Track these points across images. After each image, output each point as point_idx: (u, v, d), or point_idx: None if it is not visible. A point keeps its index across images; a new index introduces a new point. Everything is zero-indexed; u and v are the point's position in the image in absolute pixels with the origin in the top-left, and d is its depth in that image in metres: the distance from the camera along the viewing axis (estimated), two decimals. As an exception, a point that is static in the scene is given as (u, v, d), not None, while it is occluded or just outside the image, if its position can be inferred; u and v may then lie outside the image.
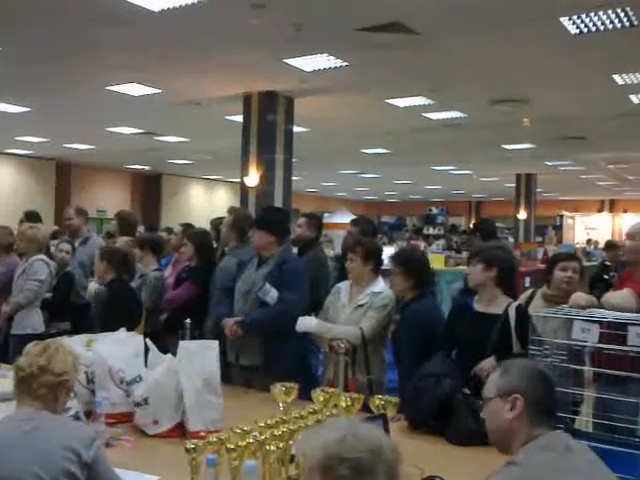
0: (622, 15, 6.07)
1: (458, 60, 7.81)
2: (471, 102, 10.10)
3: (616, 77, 8.38)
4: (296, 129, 10.58)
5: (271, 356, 3.84)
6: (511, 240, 20.82)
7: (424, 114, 10.96)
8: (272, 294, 3.85)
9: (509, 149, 14.92)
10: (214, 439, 2.26)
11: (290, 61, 7.92)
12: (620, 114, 10.58)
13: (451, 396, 3.13)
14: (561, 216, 25.88)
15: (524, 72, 8.28)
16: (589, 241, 21.61)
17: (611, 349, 2.82)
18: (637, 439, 2.78)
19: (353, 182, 23.73)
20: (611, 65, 7.93)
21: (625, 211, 26.86)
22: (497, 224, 26.05)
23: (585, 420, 3.14)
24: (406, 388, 3.35)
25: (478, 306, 3.53)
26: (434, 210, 29.98)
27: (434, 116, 11.14)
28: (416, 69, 8.23)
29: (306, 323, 3.82)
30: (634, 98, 9.49)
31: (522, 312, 3.36)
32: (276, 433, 2.34)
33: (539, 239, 21.81)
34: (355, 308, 3.88)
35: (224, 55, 7.78)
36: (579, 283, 3.83)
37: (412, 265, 3.74)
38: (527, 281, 7.91)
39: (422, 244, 16.96)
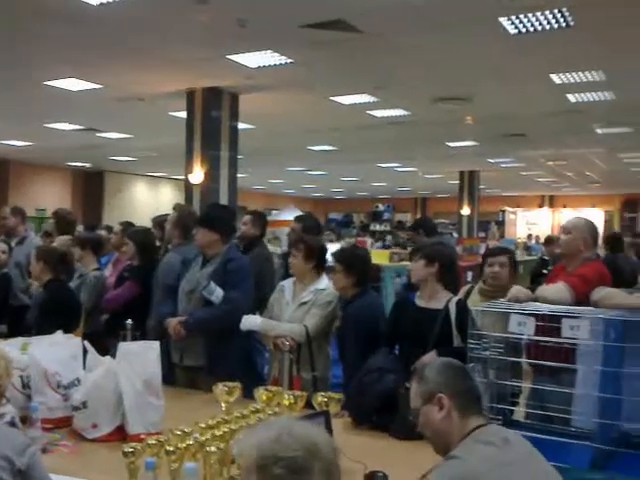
0: (559, 16, 6.24)
1: (402, 58, 7.89)
2: (415, 100, 10.23)
3: (554, 77, 8.62)
4: (242, 126, 10.50)
5: (215, 356, 3.81)
6: (455, 235, 21.23)
7: (369, 112, 11.04)
8: (217, 293, 3.81)
9: (453, 147, 15.18)
10: (153, 442, 2.23)
11: (234, 57, 7.86)
12: (558, 112, 10.89)
13: (394, 391, 3.16)
14: (503, 212, 26.48)
15: (466, 71, 8.43)
16: (530, 236, 22.19)
17: (546, 341, 2.89)
18: (572, 428, 2.87)
19: (300, 179, 23.74)
20: (549, 65, 8.15)
21: (564, 206, 27.69)
22: (442, 220, 26.51)
23: (523, 411, 3.23)
24: (350, 384, 3.38)
25: (420, 301, 3.59)
26: (381, 207, 30.26)
27: (379, 114, 11.25)
28: (361, 67, 8.28)
29: (251, 321, 3.81)
30: (571, 97, 9.78)
31: (462, 306, 3.43)
32: (217, 434, 2.32)
33: (482, 234, 22.26)
34: (299, 306, 3.89)
35: (167, 50, 7.67)
36: (513, 277, 3.92)
37: (353, 262, 3.76)
38: (469, 275, 8.05)
39: (369, 240, 17.09)
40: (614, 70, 8.27)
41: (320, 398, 2.74)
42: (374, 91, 9.57)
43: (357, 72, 8.53)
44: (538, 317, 2.97)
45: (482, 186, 21.77)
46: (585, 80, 8.69)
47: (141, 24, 6.76)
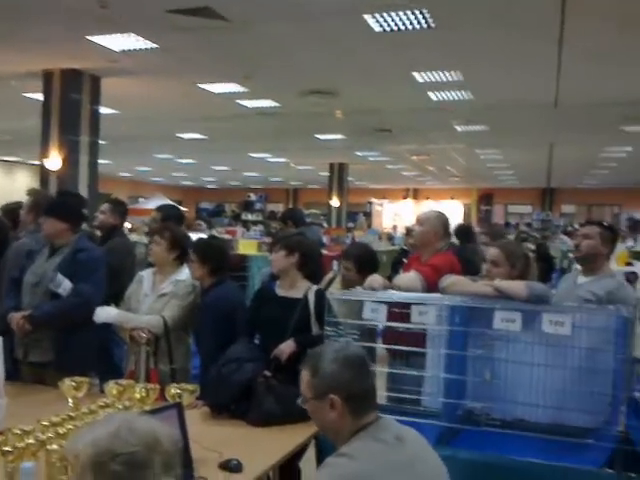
0: (420, 17, 6.51)
1: (269, 49, 7.90)
2: (283, 92, 10.30)
3: (416, 75, 8.99)
4: (105, 111, 10.05)
5: (65, 351, 3.61)
6: (325, 226, 21.66)
7: (239, 101, 10.98)
8: (65, 285, 3.62)
9: (322, 139, 15.44)
10: (-13, 442, 2.08)
11: (95, 39, 7.50)
12: (421, 109, 11.39)
13: (253, 379, 3.19)
14: (371, 203, 27.35)
15: (332, 65, 8.59)
16: (395, 227, 23.10)
17: (396, 327, 3.02)
18: (421, 408, 3.01)
19: (169, 167, 23.15)
20: (412, 63, 8.49)
21: (427, 199, 29.05)
22: (313, 211, 26.85)
23: (379, 394, 3.35)
24: (208, 374, 3.35)
25: (280, 290, 3.62)
26: (253, 197, 30.20)
27: (249, 104, 11.21)
28: (228, 56, 8.20)
29: (105, 313, 3.66)
30: (432, 95, 10.24)
31: (320, 295, 3.50)
32: (60, 431, 2.21)
33: (351, 225, 22.90)
34: (158, 297, 3.79)
35: (21, 29, 7.17)
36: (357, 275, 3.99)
37: (208, 252, 3.73)
38: (335, 264, 8.22)
39: (239, 230, 17.00)
40: (471, 71, 8.77)
41: (173, 390, 2.70)
42: (243, 81, 9.52)
43: (225, 61, 8.44)
44: (393, 304, 3.10)
45: (351, 178, 22.35)
46: (445, 80, 9.15)
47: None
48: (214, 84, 9.81)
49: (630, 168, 19.97)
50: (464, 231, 8.39)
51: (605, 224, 3.70)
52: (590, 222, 3.79)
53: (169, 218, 4.92)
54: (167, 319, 3.64)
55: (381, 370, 3.39)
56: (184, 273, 3.86)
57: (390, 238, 15.41)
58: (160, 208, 5.28)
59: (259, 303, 3.65)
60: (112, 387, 2.71)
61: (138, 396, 2.63)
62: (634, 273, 7.67)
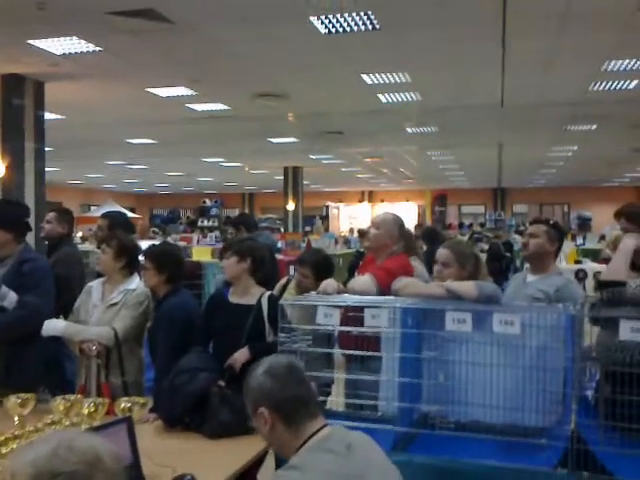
0: (365, 18, 6.54)
1: (216, 52, 7.83)
2: (233, 95, 10.23)
3: (365, 77, 9.04)
4: (50, 116, 9.81)
5: (11, 366, 3.50)
6: (282, 230, 21.62)
7: (188, 105, 10.87)
8: (10, 298, 3.50)
9: (275, 142, 15.40)
10: None
11: (36, 42, 7.30)
12: (371, 112, 11.46)
13: (207, 390, 3.15)
14: (327, 207, 27.43)
15: (281, 67, 8.57)
16: (352, 230, 23.21)
17: (348, 331, 3.01)
18: (379, 413, 3.01)
19: (120, 173, 22.77)
20: (360, 65, 8.53)
21: (382, 201, 29.34)
22: (270, 215, 26.74)
23: (336, 400, 3.34)
24: (161, 385, 3.28)
25: (233, 297, 3.58)
26: (208, 202, 29.93)
27: (198, 107, 11.11)
28: (175, 59, 8.10)
29: (53, 326, 3.55)
30: (382, 97, 10.32)
31: (274, 301, 3.46)
32: (4, 451, 2.13)
33: (308, 228, 22.92)
34: (108, 307, 3.71)
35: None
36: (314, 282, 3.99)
37: (164, 260, 3.66)
38: (291, 269, 8.21)
39: (195, 237, 16.83)
40: (418, 73, 8.87)
41: (123, 404, 2.63)
42: (191, 84, 9.42)
43: (172, 63, 8.33)
44: (349, 308, 3.09)
45: (306, 182, 22.36)
46: (393, 81, 9.22)
47: None
48: (162, 88, 9.69)
49: (577, 167, 20.53)
50: (430, 234, 8.49)
51: (551, 222, 3.76)
52: (537, 221, 3.85)
53: (116, 225, 4.80)
54: (118, 330, 3.55)
55: (338, 376, 3.40)
56: (134, 282, 3.78)
57: (347, 241, 15.49)
58: (106, 215, 5.14)
59: (212, 311, 3.60)
60: (59, 403, 2.62)
61: (86, 411, 2.56)
62: (583, 270, 7.88)
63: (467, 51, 7.84)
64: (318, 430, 1.90)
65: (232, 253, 3.58)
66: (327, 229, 23.85)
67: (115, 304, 3.70)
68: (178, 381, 3.17)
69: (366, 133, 14.04)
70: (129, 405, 2.62)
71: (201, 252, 8.55)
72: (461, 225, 26.31)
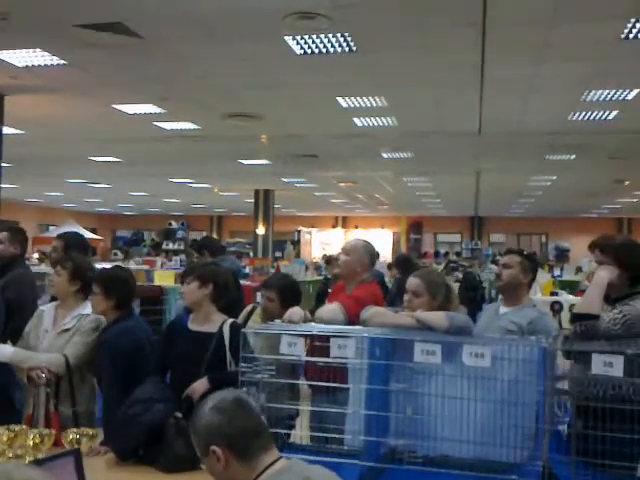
0: (342, 40, 6.62)
1: (187, 70, 7.85)
2: (204, 114, 10.23)
3: (340, 100, 9.12)
4: (9, 130, 9.70)
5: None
6: (251, 255, 21.56)
7: (156, 123, 10.84)
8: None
9: (246, 164, 15.42)
10: None
11: (-3, 54, 7.25)
12: (346, 135, 11.56)
13: (162, 421, 3.10)
14: (299, 231, 27.46)
15: (254, 88, 8.59)
16: (325, 256, 23.24)
17: (314, 361, 2.99)
18: (345, 447, 2.98)
19: (82, 192, 22.54)
20: (336, 88, 8.60)
21: (356, 227, 29.44)
22: (239, 239, 26.62)
23: (300, 433, 3.31)
24: (112, 416, 3.22)
25: (193, 325, 3.56)
26: (174, 224, 29.76)
27: (167, 126, 11.09)
28: (144, 75, 8.09)
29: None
30: (357, 121, 10.41)
31: (236, 329, 3.44)
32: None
33: (279, 254, 22.89)
34: (60, 333, 3.67)
35: None
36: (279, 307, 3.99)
37: (112, 284, 3.61)
38: (258, 296, 8.16)
39: (159, 260, 16.71)
40: (395, 97, 8.98)
41: (71, 435, 2.57)
42: (160, 102, 9.40)
43: (140, 80, 8.32)
44: (315, 337, 3.08)
45: (278, 205, 22.37)
46: (369, 105, 9.31)
47: None
48: (129, 104, 9.65)
49: (555, 197, 20.89)
50: (404, 261, 8.55)
51: (525, 253, 3.82)
52: (510, 251, 3.91)
53: (72, 246, 4.74)
54: (69, 357, 3.51)
55: (303, 408, 3.37)
56: (88, 307, 3.74)
57: (317, 268, 15.50)
58: (62, 236, 5.07)
59: (170, 338, 3.57)
60: (2, 433, 2.56)
61: (31, 443, 2.50)
62: (559, 303, 7.99)
63: (445, 77, 7.96)
64: (272, 463, 1.90)
65: (193, 278, 3.56)
66: (298, 255, 23.84)
67: (68, 330, 3.66)
68: (132, 412, 3.12)
69: (341, 157, 14.13)
70: (77, 437, 2.57)
71: (164, 276, 8.47)
72: (437, 254, 26.58)
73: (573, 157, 13.38)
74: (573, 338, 2.98)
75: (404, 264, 8.59)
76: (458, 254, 25.60)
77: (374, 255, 4.06)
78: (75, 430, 2.64)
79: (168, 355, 3.48)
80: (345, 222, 31.23)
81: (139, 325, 3.71)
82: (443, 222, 29.66)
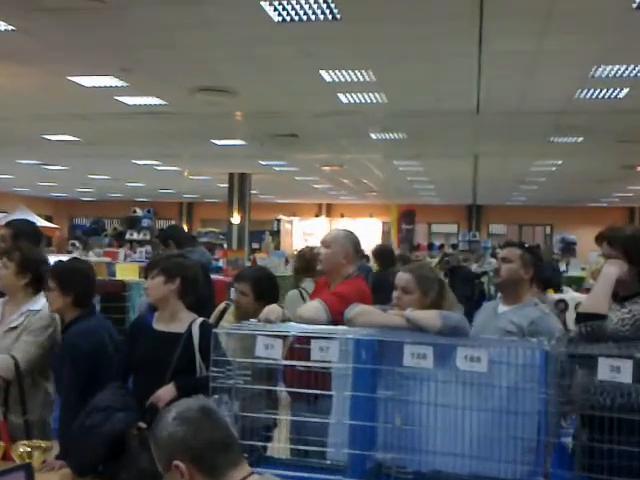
0: (324, 6, 6.57)
1: (153, 37, 7.78)
2: (171, 88, 10.16)
3: (324, 73, 9.09)
4: (-50, 106, 9.60)
5: None
6: (225, 247, 21.51)
7: (117, 97, 10.75)
8: None
9: (219, 145, 15.38)
10: None
11: None
12: (330, 113, 11.53)
13: (124, 432, 3.12)
14: (278, 221, 27.44)
15: (228, 59, 8.55)
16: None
17: (293, 365, 2.99)
18: (327, 461, 2.99)
19: (36, 175, 22.38)
20: (318, 60, 8.56)
21: (342, 216, 29.48)
22: (211, 229, 26.53)
23: (278, 446, 3.31)
24: (69, 427, 3.21)
25: (158, 324, 3.56)
26: (139, 211, 29.59)
27: (130, 101, 11.01)
28: (103, 44, 8.01)
29: (-61, 355, 3.46)
30: (343, 97, 10.39)
31: (206, 329, 3.43)
32: None
33: (256, 245, 22.85)
34: (6, 331, 3.67)
35: None
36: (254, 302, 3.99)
37: (70, 279, 3.60)
38: (232, 293, 8.14)
39: (123, 252, 16.64)
40: (384, 71, 8.96)
41: (21, 448, 2.56)
42: (121, 74, 9.31)
43: (99, 49, 8.24)
44: (295, 338, 3.07)
45: (255, 191, 22.34)
46: (356, 80, 9.29)
47: None
48: (86, 76, 9.55)
49: (561, 184, 21.03)
50: (384, 253, 8.49)
51: (526, 245, 3.84)
52: (510, 243, 3.93)
53: (22, 235, 4.70)
54: (18, 359, 3.50)
55: (281, 418, 3.37)
56: (39, 302, 3.74)
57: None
58: (11, 224, 5.03)
59: (132, 340, 3.58)
60: (-59, 447, 2.54)
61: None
62: (564, 301, 7.99)
63: (439, 49, 7.96)
64: (243, 479, 1.90)
65: (158, 272, 3.56)
66: (278, 246, 23.83)
67: (15, 327, 3.66)
68: (90, 422, 3.12)
69: (324, 137, 14.11)
70: (29, 450, 2.56)
71: (127, 270, 8.41)
72: (431, 246, 26.69)
73: (580, 140, 13.47)
74: (577, 340, 2.99)
75: (384, 256, 8.50)
76: (454, 246, 25.71)
77: (359, 246, 4.06)
78: (26, 442, 2.63)
79: (131, 358, 3.49)
80: (330, 210, 31.27)
81: (102, 324, 3.71)
82: (438, 211, 29.79)
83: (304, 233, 27.87)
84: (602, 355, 2.57)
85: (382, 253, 8.63)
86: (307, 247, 7.03)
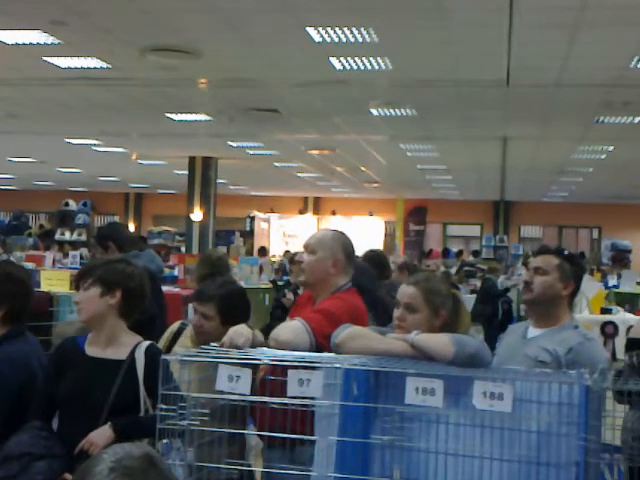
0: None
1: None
2: (116, 48, 10.17)
3: (312, 31, 9.09)
4: None
5: None
6: (183, 250, 21.50)
7: (47, 58, 10.77)
8: None
9: (177, 120, 15.42)
10: None
11: None
12: (320, 83, 11.58)
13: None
14: (252, 218, 27.45)
15: (188, 11, 8.56)
16: (287, 253, 23.25)
17: (265, 402, 2.98)
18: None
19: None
20: (304, 13, 8.56)
21: (333, 213, 29.57)
22: (166, 227, 26.55)
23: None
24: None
25: (91, 349, 3.56)
26: (72, 204, 29.54)
27: (63, 63, 11.05)
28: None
29: None
30: (336, 63, 10.41)
31: (154, 355, 3.43)
32: None
33: (224, 248, 22.82)
34: None
35: None
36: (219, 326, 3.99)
37: (3, 287, 3.67)
38: (190, 309, 8.13)
39: (50, 255, 16.58)
40: (388, 30, 8.97)
41: None
42: (52, 28, 9.31)
43: (24, -4, 8.27)
44: (268, 368, 3.08)
45: (222, 180, 22.35)
46: (353, 40, 9.30)
47: None
48: (7, 31, 9.57)
49: (611, 176, 21.15)
50: (376, 261, 8.49)
51: (566, 253, 3.85)
52: (545, 250, 3.94)
53: None
54: None
55: (251, 469, 3.37)
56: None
57: (280, 269, 15.49)
58: None
59: (59, 368, 3.56)
60: None
61: None
62: (613, 324, 7.98)
63: (458, 4, 8.00)
64: None
65: (93, 282, 3.56)
66: (251, 251, 23.85)
67: None
68: (4, 474, 3.14)
69: (312, 113, 14.17)
70: None
71: (56, 279, 8.36)
72: (446, 252, 26.75)
73: (637, 120, 13.55)
74: (628, 373, 3.01)
75: (376, 264, 8.52)
76: (476, 253, 25.81)
77: (351, 250, 4.05)
78: None
79: (56, 391, 3.48)
80: (318, 206, 31.33)
81: (32, 348, 3.76)
82: (456, 208, 29.88)
83: (285, 234, 27.96)
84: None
85: (372, 260, 8.65)
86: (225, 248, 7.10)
